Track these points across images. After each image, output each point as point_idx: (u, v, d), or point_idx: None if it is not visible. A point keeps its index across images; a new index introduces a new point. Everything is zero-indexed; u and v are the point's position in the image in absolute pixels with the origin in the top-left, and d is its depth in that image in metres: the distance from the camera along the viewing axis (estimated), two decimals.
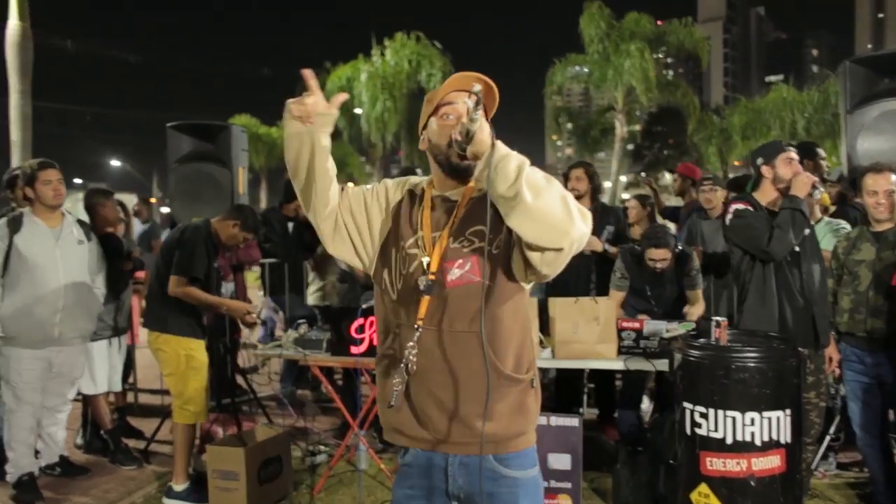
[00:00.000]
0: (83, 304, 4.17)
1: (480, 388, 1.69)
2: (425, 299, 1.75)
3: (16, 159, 13.07)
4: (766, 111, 24.45)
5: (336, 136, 27.77)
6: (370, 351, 3.97)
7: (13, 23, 13.51)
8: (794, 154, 3.61)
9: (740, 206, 3.64)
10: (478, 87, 1.57)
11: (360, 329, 4.03)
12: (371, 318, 4.00)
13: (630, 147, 43.22)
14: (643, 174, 49.19)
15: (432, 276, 1.75)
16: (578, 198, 5.01)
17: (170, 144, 4.82)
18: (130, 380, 5.55)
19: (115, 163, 51.68)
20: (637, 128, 35.83)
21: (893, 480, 3.69)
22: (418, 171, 5.89)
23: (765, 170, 3.62)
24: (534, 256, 1.65)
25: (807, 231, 3.56)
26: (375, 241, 1.86)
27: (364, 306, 4.10)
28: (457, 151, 1.71)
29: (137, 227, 7.68)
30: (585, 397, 5.70)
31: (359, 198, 1.87)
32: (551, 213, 1.57)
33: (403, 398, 1.78)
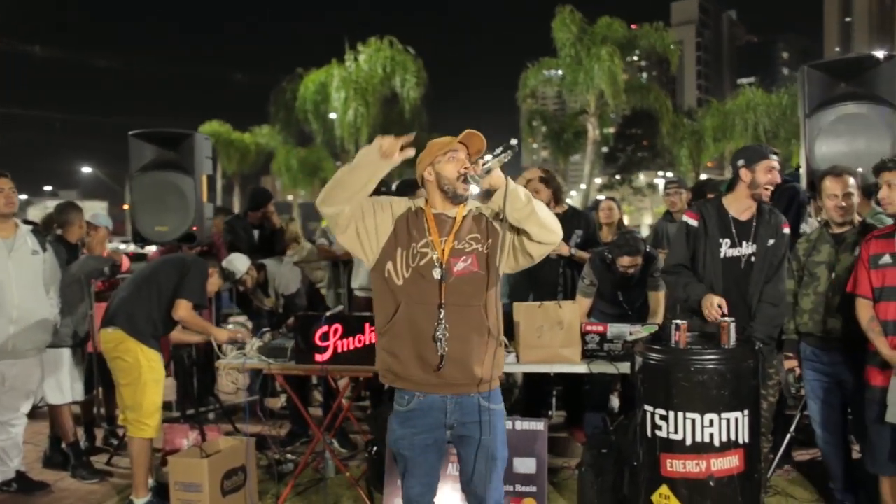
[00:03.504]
0: (38, 315, 4.10)
1: (479, 343, 2.50)
2: (443, 286, 2.46)
3: None
4: (733, 113, 24.73)
5: (309, 140, 27.81)
6: (335, 358, 3.94)
7: None
8: (775, 163, 3.61)
9: (688, 218, 3.75)
10: (514, 141, 2.38)
11: (325, 336, 3.99)
12: (335, 326, 3.96)
13: (604, 150, 43.58)
14: (617, 176, 49.89)
15: (443, 269, 2.47)
16: None
17: (132, 153, 4.74)
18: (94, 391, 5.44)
19: (86, 169, 50.98)
20: (611, 130, 36.05)
21: (851, 476, 3.74)
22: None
23: (743, 172, 3.61)
24: (535, 249, 2.52)
25: (770, 242, 3.62)
26: (380, 240, 2.51)
27: (328, 314, 4.07)
28: (463, 183, 2.46)
29: None
30: (554, 400, 5.73)
31: (370, 206, 2.51)
32: (550, 221, 2.49)
33: (419, 356, 2.47)
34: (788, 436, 4.24)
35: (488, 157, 2.41)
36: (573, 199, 35.14)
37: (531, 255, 2.54)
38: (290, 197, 35.98)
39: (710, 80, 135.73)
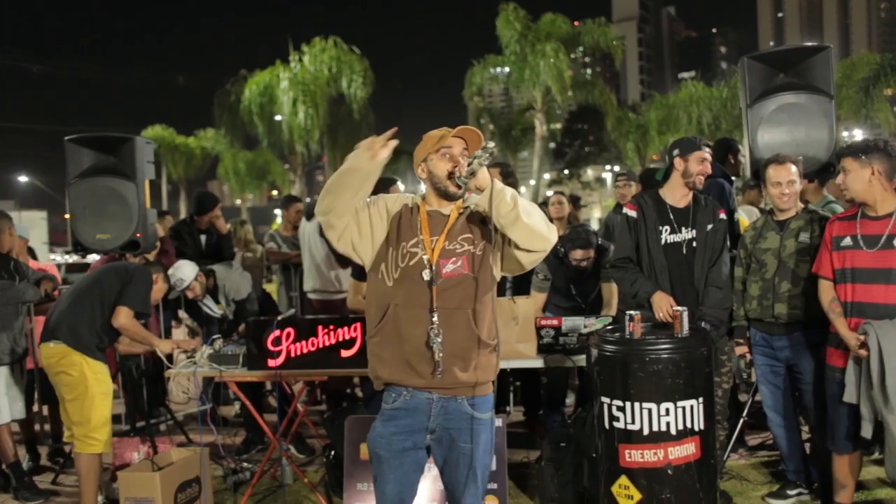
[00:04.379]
0: None
1: (465, 349, 2.36)
2: (433, 288, 2.33)
3: None
4: (677, 107, 25.34)
5: (255, 143, 27.31)
6: (288, 362, 3.87)
7: None
8: (707, 154, 3.78)
9: (628, 210, 3.88)
10: (492, 145, 2.26)
11: (277, 341, 3.91)
12: (288, 330, 3.89)
13: (552, 145, 44.12)
14: (566, 171, 50.52)
15: (433, 271, 2.34)
16: None
17: (69, 159, 4.54)
18: (35, 408, 5.22)
19: (22, 178, 49.23)
20: (558, 126, 36.47)
21: (803, 457, 3.84)
22: (398, 180, 5.83)
23: (677, 161, 3.78)
24: (523, 257, 2.33)
25: (709, 227, 3.74)
26: (375, 242, 2.41)
27: (280, 318, 3.99)
28: (455, 182, 2.33)
29: None
30: (512, 396, 5.75)
31: (365, 209, 2.41)
32: (539, 228, 2.28)
33: (401, 354, 2.37)
34: (741, 420, 4.33)
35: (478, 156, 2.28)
36: (523, 195, 35.40)
37: (520, 263, 2.37)
38: (238, 201, 35.25)
39: (652, 74, 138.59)
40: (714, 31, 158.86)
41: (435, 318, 2.33)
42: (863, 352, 3.12)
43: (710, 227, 3.75)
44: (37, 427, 5.29)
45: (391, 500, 2.46)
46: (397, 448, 2.43)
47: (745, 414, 4.36)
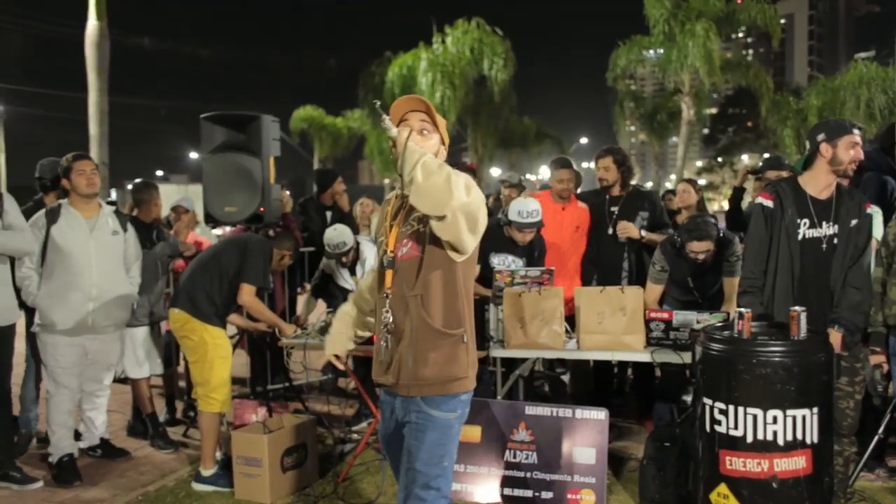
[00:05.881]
0: (116, 293, 4.28)
1: (418, 340, 2.20)
2: (388, 272, 2.26)
3: (94, 153, 13.61)
4: (843, 90, 22.95)
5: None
6: None
7: (91, 23, 14.01)
8: (858, 138, 3.33)
9: (763, 199, 3.47)
10: (377, 103, 2.17)
11: None
12: None
13: (705, 131, 41.82)
14: (719, 159, 47.74)
15: (391, 254, 2.27)
16: (608, 187, 4.84)
17: (203, 135, 4.84)
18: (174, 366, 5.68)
19: (193, 155, 53.48)
20: (713, 111, 34.40)
21: None
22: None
23: (823, 147, 3.34)
24: (434, 225, 2.10)
25: (853, 222, 3.34)
26: None
27: None
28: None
29: None
30: (629, 388, 5.54)
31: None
32: (434, 189, 2.00)
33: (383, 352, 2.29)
34: (876, 437, 3.90)
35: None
36: (671, 181, 33.82)
37: (447, 241, 2.15)
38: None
39: (822, 55, 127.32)
40: None
41: (387, 306, 2.26)
42: None
43: (854, 222, 3.34)
44: (175, 383, 5.76)
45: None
46: (393, 441, 2.39)
47: (881, 431, 3.92)
